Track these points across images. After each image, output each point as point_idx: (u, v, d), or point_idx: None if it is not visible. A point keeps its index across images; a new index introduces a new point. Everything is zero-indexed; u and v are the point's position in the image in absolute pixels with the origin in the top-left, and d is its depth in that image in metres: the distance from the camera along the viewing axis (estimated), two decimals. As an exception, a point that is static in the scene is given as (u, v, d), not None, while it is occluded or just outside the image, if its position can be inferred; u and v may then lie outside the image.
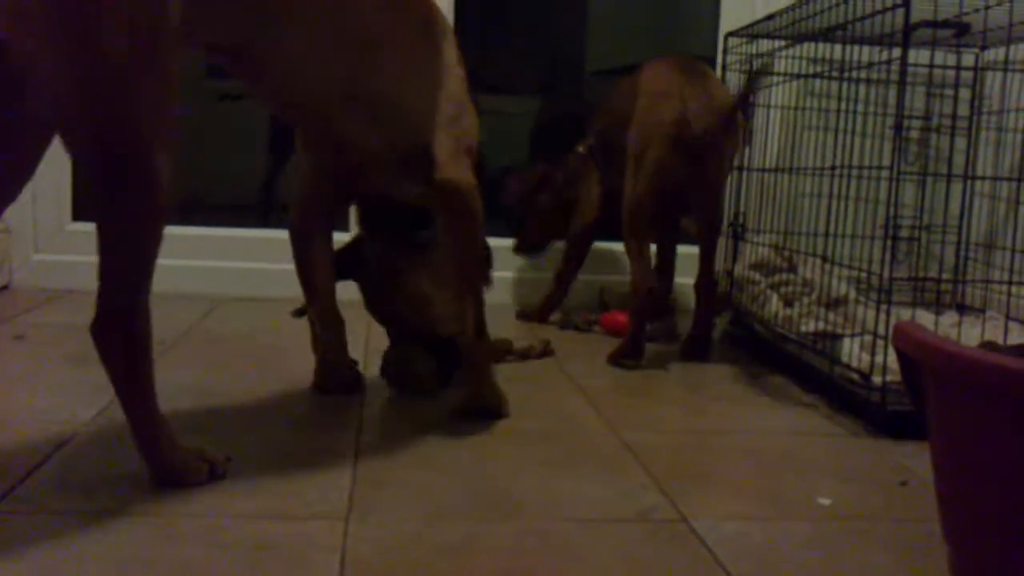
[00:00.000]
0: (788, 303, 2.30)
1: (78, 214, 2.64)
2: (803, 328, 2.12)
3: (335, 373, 1.68)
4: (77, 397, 1.56)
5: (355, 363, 1.74)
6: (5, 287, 2.54)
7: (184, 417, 1.46)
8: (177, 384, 1.62)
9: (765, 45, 2.44)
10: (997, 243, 2.41)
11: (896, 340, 1.01)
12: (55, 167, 2.60)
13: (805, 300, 2.29)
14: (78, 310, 2.32)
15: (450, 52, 1.50)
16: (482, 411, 1.56)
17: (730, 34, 2.50)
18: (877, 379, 1.70)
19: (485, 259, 1.89)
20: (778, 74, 2.46)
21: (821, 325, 2.10)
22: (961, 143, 2.67)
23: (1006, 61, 2.45)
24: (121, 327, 1.13)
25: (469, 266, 1.52)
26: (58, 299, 2.43)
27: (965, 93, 2.63)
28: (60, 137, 1.08)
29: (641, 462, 1.37)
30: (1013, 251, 2.16)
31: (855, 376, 1.77)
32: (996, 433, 0.90)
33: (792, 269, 2.44)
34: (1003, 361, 0.86)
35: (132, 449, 1.18)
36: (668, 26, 3.40)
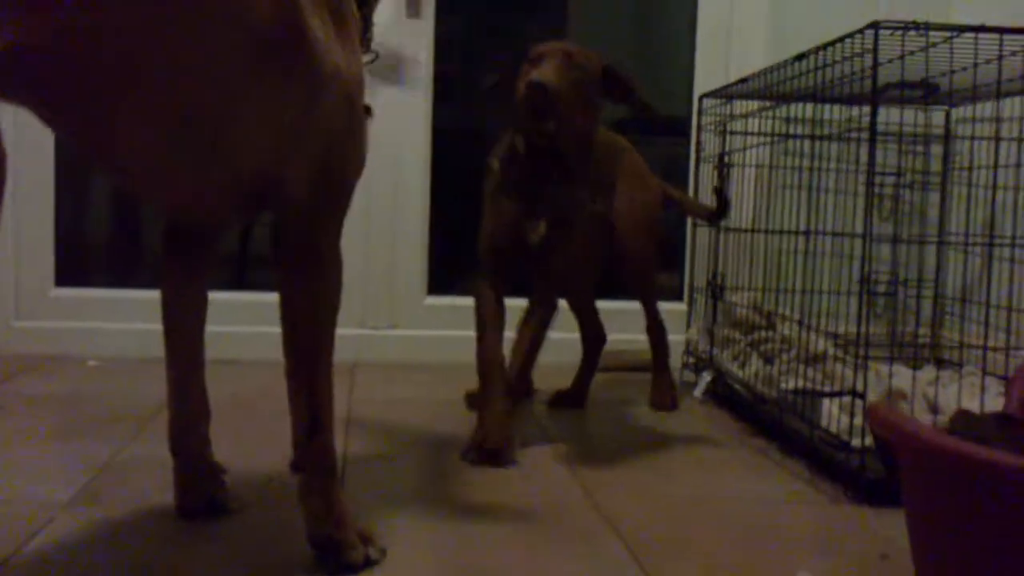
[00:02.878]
0: (768, 360, 2.32)
1: (61, 279, 2.64)
2: (783, 385, 2.14)
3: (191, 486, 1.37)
4: (55, 476, 1.55)
5: (219, 472, 1.41)
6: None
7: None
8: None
9: (739, 106, 2.48)
10: (972, 297, 2.44)
11: (871, 424, 1.03)
12: (39, 229, 2.61)
13: (784, 357, 2.30)
14: (59, 378, 2.33)
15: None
16: (327, 555, 1.20)
17: (704, 95, 2.54)
18: (856, 442, 1.71)
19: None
20: (752, 134, 2.49)
21: (800, 383, 2.12)
22: (934, 198, 2.71)
23: (973, 119, 2.50)
24: None
25: (315, 346, 1.21)
26: (39, 367, 2.42)
27: (938, 149, 2.68)
28: None
29: (620, 533, 1.37)
30: (987, 306, 2.19)
31: (834, 440, 1.78)
32: (969, 515, 0.91)
33: (771, 327, 2.46)
34: (974, 452, 0.88)
35: (109, 537, 1.17)
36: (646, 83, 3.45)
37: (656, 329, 2.32)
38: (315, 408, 1.20)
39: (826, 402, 1.94)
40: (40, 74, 0.91)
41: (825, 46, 1.81)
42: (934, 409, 1.95)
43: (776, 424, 2.01)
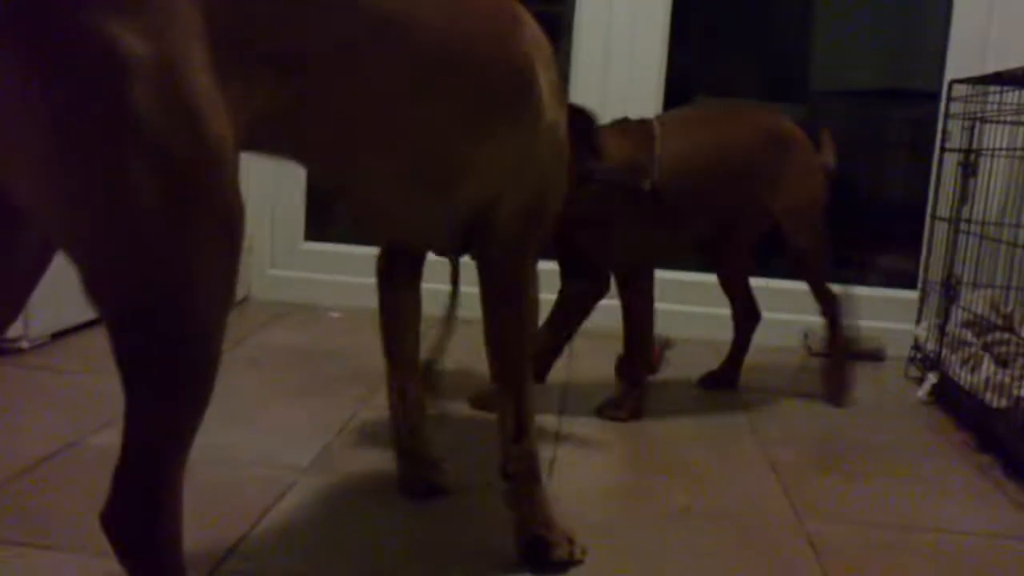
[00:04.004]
0: (1003, 364, 2.20)
1: (310, 234, 2.87)
2: (1017, 393, 2.03)
3: (408, 476, 1.51)
4: (297, 438, 1.71)
5: (438, 463, 1.53)
6: (245, 298, 2.80)
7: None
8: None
9: (992, 95, 2.32)
10: None
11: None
12: (292, 188, 2.84)
13: (1021, 362, 2.18)
14: (305, 330, 2.55)
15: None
16: (536, 554, 1.28)
17: (955, 81, 2.39)
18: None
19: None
20: (1005, 122, 2.33)
21: (1038, 391, 2.01)
22: None
23: None
24: None
25: (517, 359, 1.29)
26: (289, 315, 2.65)
27: None
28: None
29: (821, 562, 1.38)
30: None
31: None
32: None
33: (1010, 328, 2.33)
34: None
35: (345, 511, 1.31)
36: (895, 56, 3.29)
37: (832, 315, 2.20)
38: (520, 416, 1.28)
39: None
40: (284, 136, 1.00)
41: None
42: None
43: (1007, 441, 1.91)
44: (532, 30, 1.24)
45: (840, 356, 2.23)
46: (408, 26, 1.01)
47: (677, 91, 2.91)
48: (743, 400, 2.18)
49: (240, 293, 2.71)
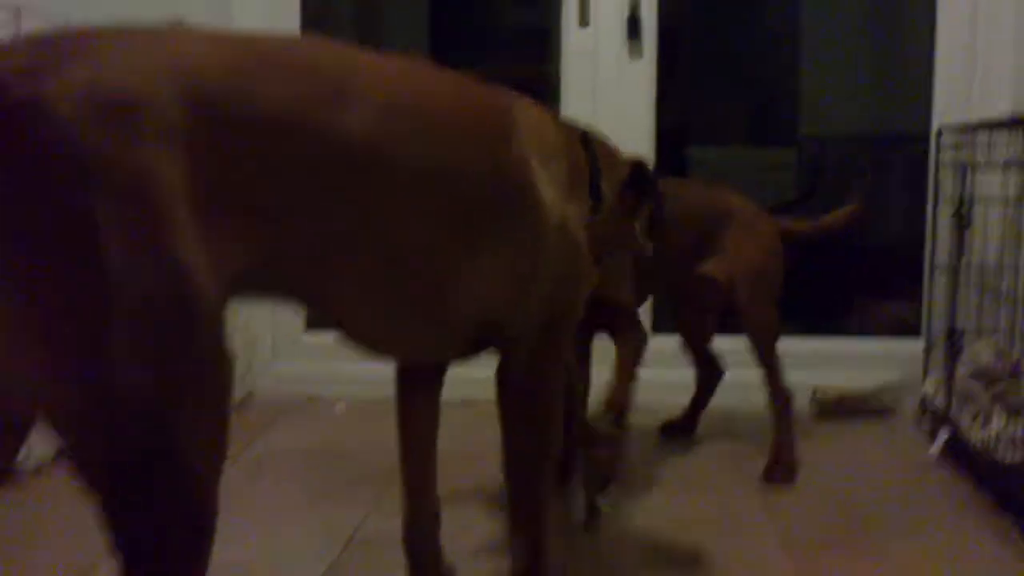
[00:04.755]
0: (1014, 412, 2.18)
1: (311, 324, 2.87)
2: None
3: None
4: (304, 551, 1.70)
5: (451, 572, 1.50)
6: (249, 395, 2.78)
7: None
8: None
9: (983, 136, 2.32)
10: None
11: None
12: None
13: (1034, 409, 2.16)
14: (310, 427, 2.51)
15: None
16: None
17: (943, 128, 2.40)
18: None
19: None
20: (998, 164, 2.33)
21: (1052, 439, 1.98)
22: None
23: None
24: None
25: (533, 486, 1.26)
26: (294, 410, 2.63)
27: None
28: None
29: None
30: None
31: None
32: None
33: (1019, 375, 2.31)
34: None
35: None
36: (883, 102, 3.31)
37: (777, 400, 2.14)
38: (535, 557, 1.25)
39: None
40: (271, 279, 0.99)
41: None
42: None
43: (1020, 502, 1.88)
44: (527, 125, 1.21)
45: (788, 434, 2.16)
46: (389, 161, 1.00)
47: (669, 143, 2.93)
48: (753, 464, 2.15)
49: (243, 391, 2.70)
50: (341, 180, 0.96)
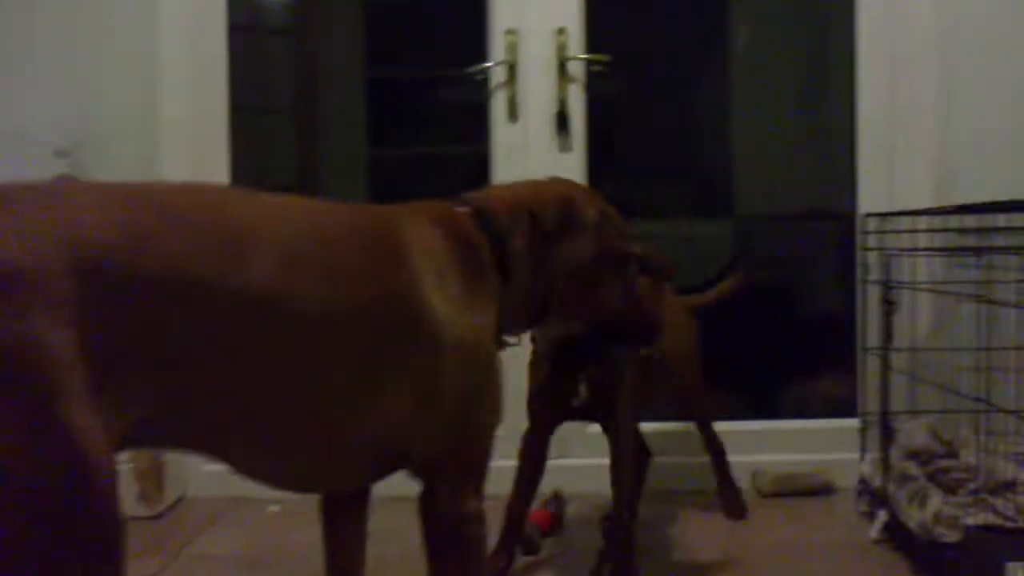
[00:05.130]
0: (950, 490, 2.19)
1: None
2: (966, 521, 2.02)
3: None
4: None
5: None
6: (181, 499, 2.69)
7: None
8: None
9: (906, 221, 2.38)
10: None
11: None
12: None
13: (970, 486, 2.18)
14: (246, 529, 2.43)
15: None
16: None
17: (869, 215, 2.45)
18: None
19: None
20: (922, 251, 2.38)
21: (989, 517, 2.00)
22: None
23: None
24: None
25: None
26: (227, 511, 2.56)
27: None
28: None
29: None
30: None
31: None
32: None
33: (953, 454, 2.33)
34: None
35: None
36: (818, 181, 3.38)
37: (713, 449, 2.42)
38: None
39: (1010, 566, 1.81)
40: (165, 429, 0.99)
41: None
42: None
43: (963, 582, 1.88)
44: (417, 245, 1.19)
45: (731, 487, 2.42)
46: (287, 311, 1.01)
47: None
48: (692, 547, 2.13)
49: (175, 494, 2.63)
50: (238, 333, 0.97)
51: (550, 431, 2.00)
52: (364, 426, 1.13)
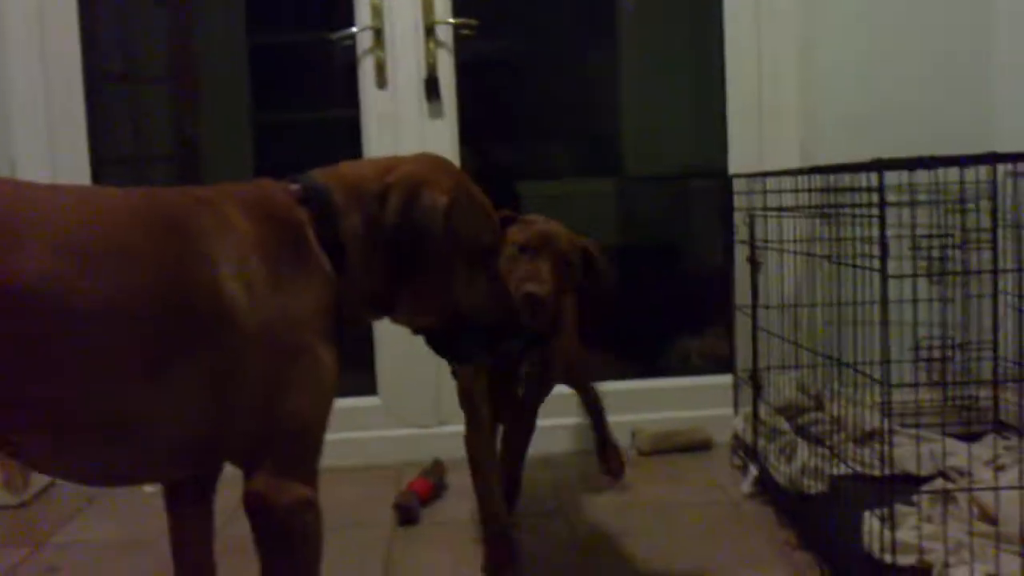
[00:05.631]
0: (818, 442, 2.25)
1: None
2: (832, 472, 2.08)
3: None
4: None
5: None
6: (51, 485, 2.61)
7: None
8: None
9: (772, 182, 2.41)
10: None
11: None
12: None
13: (835, 439, 2.24)
14: (119, 513, 2.35)
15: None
16: None
17: (734, 176, 2.48)
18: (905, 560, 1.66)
19: None
20: (787, 209, 2.42)
21: (854, 467, 2.06)
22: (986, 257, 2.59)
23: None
24: None
25: None
26: (101, 495, 2.48)
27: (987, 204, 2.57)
28: None
29: None
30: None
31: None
32: None
33: (820, 407, 2.40)
34: None
35: None
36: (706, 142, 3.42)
37: (593, 409, 2.45)
38: None
39: (866, 515, 1.86)
40: None
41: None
42: (992, 520, 1.86)
43: (823, 534, 1.94)
44: (213, 231, 1.14)
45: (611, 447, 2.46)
46: (62, 301, 0.98)
47: (502, 179, 2.95)
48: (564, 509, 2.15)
49: (43, 480, 2.54)
50: (7, 328, 0.92)
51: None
52: (161, 418, 1.09)
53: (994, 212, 2.56)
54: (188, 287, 1.09)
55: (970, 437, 2.38)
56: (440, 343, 1.41)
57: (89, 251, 1.02)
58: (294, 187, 1.28)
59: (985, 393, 2.60)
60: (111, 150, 2.73)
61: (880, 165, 1.62)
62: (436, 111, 2.67)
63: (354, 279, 1.27)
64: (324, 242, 1.24)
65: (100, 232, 1.04)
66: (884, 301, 1.65)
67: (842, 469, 2.05)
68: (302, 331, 1.18)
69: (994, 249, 2.57)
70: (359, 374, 2.74)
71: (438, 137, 2.67)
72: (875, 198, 1.69)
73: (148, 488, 2.51)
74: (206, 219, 1.14)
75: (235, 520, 1.22)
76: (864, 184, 1.81)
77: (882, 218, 1.64)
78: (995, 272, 2.53)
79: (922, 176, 2.55)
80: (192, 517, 1.35)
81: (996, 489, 1.82)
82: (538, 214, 1.85)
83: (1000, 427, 2.54)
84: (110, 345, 1.03)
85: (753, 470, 2.32)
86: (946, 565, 1.71)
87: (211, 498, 1.36)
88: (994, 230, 2.56)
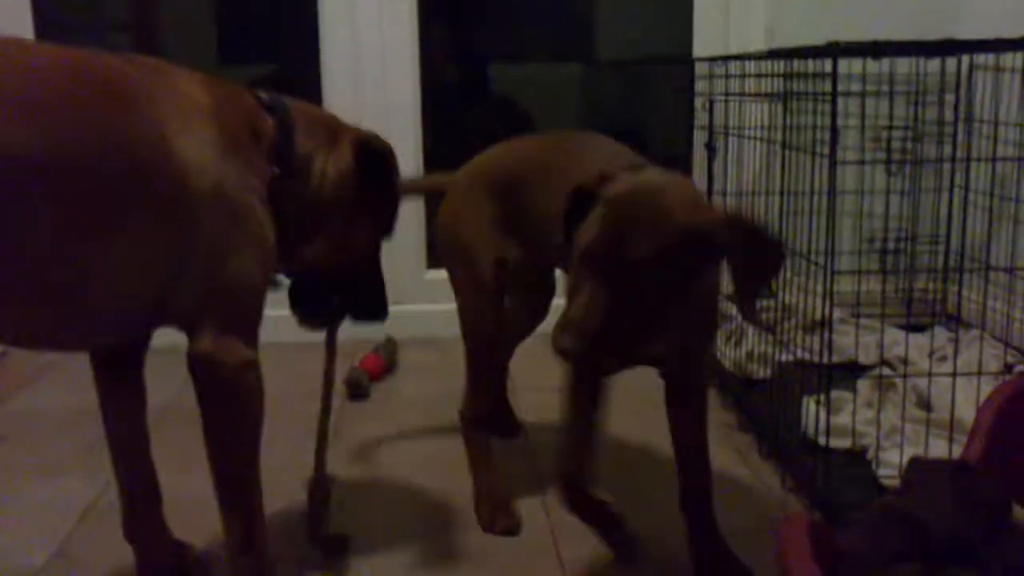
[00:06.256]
0: (769, 329, 2.28)
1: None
2: (780, 358, 2.11)
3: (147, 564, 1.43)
4: (38, 527, 1.61)
5: (182, 549, 1.47)
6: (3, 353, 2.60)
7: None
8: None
9: (734, 67, 2.37)
10: (978, 255, 2.35)
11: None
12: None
13: (785, 326, 2.27)
14: (72, 383, 2.32)
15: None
16: None
17: (697, 59, 2.44)
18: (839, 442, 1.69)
19: None
20: (747, 95, 2.39)
21: (799, 354, 2.09)
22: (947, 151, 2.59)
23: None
24: None
25: (238, 472, 1.22)
26: (56, 365, 2.47)
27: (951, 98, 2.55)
28: None
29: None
30: (987, 268, 2.14)
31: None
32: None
33: (772, 294, 2.41)
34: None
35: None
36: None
37: None
38: (247, 525, 1.22)
39: (805, 399, 1.89)
40: None
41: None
42: (927, 406, 1.90)
43: (762, 414, 1.97)
44: (159, 93, 1.12)
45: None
46: None
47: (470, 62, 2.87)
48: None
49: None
50: None
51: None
52: (110, 279, 1.08)
53: (956, 104, 2.54)
54: (137, 146, 1.07)
55: (919, 328, 2.42)
56: (300, 295, 1.47)
57: (28, 102, 0.98)
58: (263, 95, 1.30)
59: (933, 286, 2.63)
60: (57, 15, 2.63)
61: (836, 51, 1.59)
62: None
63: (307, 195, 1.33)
64: (278, 152, 1.26)
65: (40, 83, 1.00)
66: (832, 187, 1.63)
67: (788, 356, 2.08)
68: (250, 195, 1.19)
69: (954, 142, 2.56)
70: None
71: (397, 14, 2.62)
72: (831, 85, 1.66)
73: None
74: (153, 83, 1.13)
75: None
76: (821, 69, 1.78)
77: (834, 103, 1.62)
78: (953, 162, 2.53)
79: (885, 66, 2.53)
80: (124, 389, 1.35)
81: (929, 376, 1.85)
82: (654, 166, 1.39)
83: (950, 319, 2.58)
84: (53, 202, 1.00)
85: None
86: (879, 448, 1.76)
87: (141, 368, 1.36)
88: (955, 123, 2.55)
